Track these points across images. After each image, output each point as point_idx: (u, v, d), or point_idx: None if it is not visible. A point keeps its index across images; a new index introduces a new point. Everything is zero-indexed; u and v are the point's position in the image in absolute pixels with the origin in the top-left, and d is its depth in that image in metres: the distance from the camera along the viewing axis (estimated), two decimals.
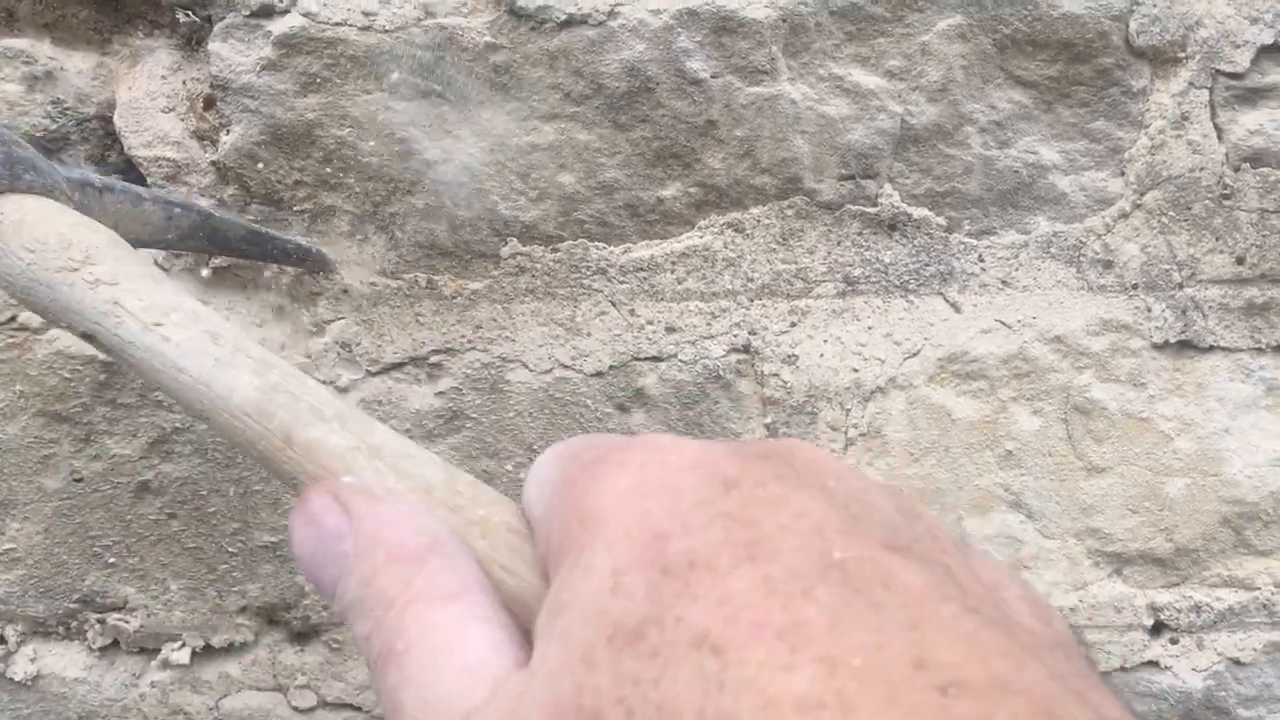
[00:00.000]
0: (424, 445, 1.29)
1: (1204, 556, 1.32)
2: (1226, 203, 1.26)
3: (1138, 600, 1.33)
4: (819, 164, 1.25)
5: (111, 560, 1.31)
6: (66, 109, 1.24)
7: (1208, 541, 1.32)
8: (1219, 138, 1.25)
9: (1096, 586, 1.33)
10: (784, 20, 1.21)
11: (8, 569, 1.31)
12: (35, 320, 1.26)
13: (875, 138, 1.25)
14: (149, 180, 1.25)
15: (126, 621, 1.33)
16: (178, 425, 1.28)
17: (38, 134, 1.24)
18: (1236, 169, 1.25)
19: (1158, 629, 1.33)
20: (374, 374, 1.28)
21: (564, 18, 1.21)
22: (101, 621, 1.33)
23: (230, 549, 1.31)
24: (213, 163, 1.25)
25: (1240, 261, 1.27)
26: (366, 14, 1.20)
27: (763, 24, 1.21)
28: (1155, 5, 1.21)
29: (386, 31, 1.21)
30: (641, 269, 1.28)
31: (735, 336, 1.29)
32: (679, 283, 1.28)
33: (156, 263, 1.27)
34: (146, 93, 1.25)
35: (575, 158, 1.25)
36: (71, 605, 1.32)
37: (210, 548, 1.31)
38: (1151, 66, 1.23)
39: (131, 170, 1.26)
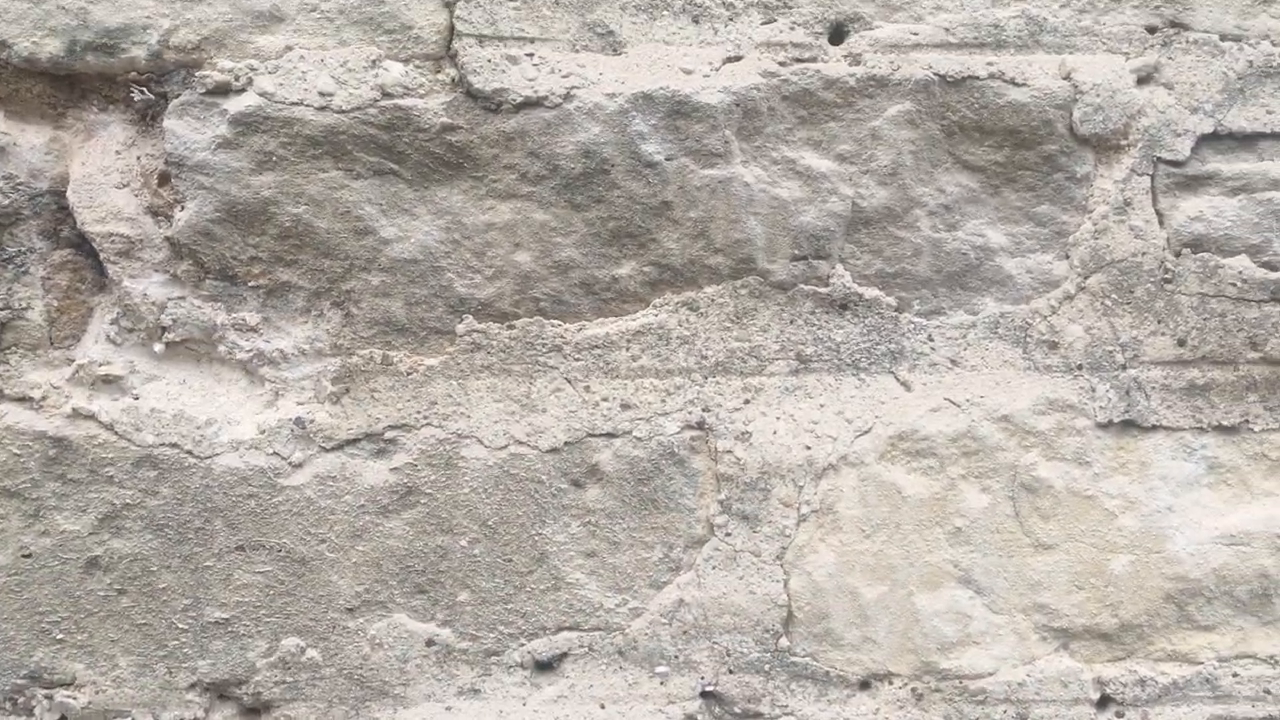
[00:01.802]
0: (378, 521, 1.23)
1: (1148, 632, 1.29)
2: (1168, 287, 1.23)
3: (1084, 675, 1.28)
4: (772, 245, 1.21)
5: (60, 636, 1.24)
6: (19, 184, 1.18)
7: (1152, 617, 1.28)
8: (1161, 223, 1.23)
9: (1044, 661, 1.29)
10: (737, 105, 1.17)
11: None
12: None
13: (827, 219, 1.21)
14: (102, 256, 1.19)
15: (74, 698, 1.25)
16: (128, 501, 1.21)
17: None
18: (1178, 254, 1.23)
19: (1104, 703, 1.29)
20: (328, 450, 1.22)
21: (520, 100, 1.16)
22: (49, 698, 1.25)
23: (181, 625, 1.24)
24: (167, 239, 1.19)
25: (1182, 344, 1.24)
26: (323, 94, 1.15)
27: (716, 108, 1.17)
28: (1098, 95, 1.18)
29: (343, 112, 1.16)
30: (597, 346, 1.23)
31: (689, 413, 1.24)
32: (634, 360, 1.23)
33: (108, 337, 1.21)
34: (100, 168, 1.19)
35: (531, 237, 1.20)
36: (19, 681, 1.25)
37: (160, 624, 1.24)
38: (1095, 153, 1.21)
39: (85, 245, 1.20)
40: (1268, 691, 1.29)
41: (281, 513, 1.23)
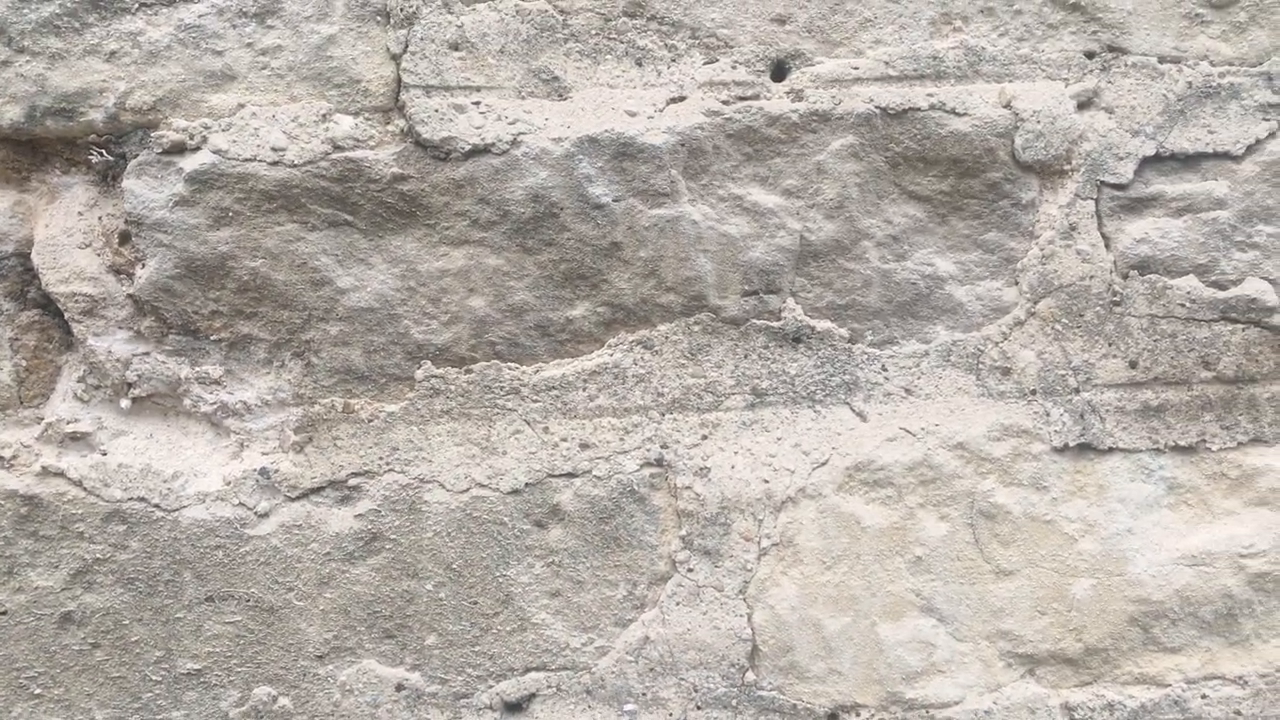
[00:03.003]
0: (345, 568, 1.21)
1: (1114, 655, 1.25)
2: (1117, 309, 1.20)
3: (1051, 700, 1.25)
4: (722, 281, 1.19)
5: (37, 691, 1.22)
6: None
7: (1117, 640, 1.25)
8: (1107, 246, 1.20)
9: (1010, 688, 1.25)
10: (682, 144, 1.16)
11: None
12: None
13: (776, 254, 1.19)
14: (66, 315, 1.18)
15: None
16: (99, 556, 1.20)
17: None
18: (1125, 276, 1.20)
19: None
20: (293, 499, 1.21)
21: (468, 148, 1.15)
22: None
23: (154, 677, 1.23)
24: (129, 296, 1.18)
25: (1133, 365, 1.21)
26: (275, 149, 1.14)
27: (662, 149, 1.16)
28: (1039, 121, 1.16)
29: (296, 166, 1.15)
30: (554, 387, 1.21)
31: (648, 451, 1.22)
32: (591, 400, 1.21)
33: (76, 395, 1.20)
34: (64, 229, 1.19)
35: (485, 281, 1.19)
36: None
37: (134, 676, 1.23)
38: (1039, 179, 1.19)
39: (51, 305, 1.20)
40: (1238, 712, 1.25)
41: (249, 563, 1.21)
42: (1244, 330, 1.20)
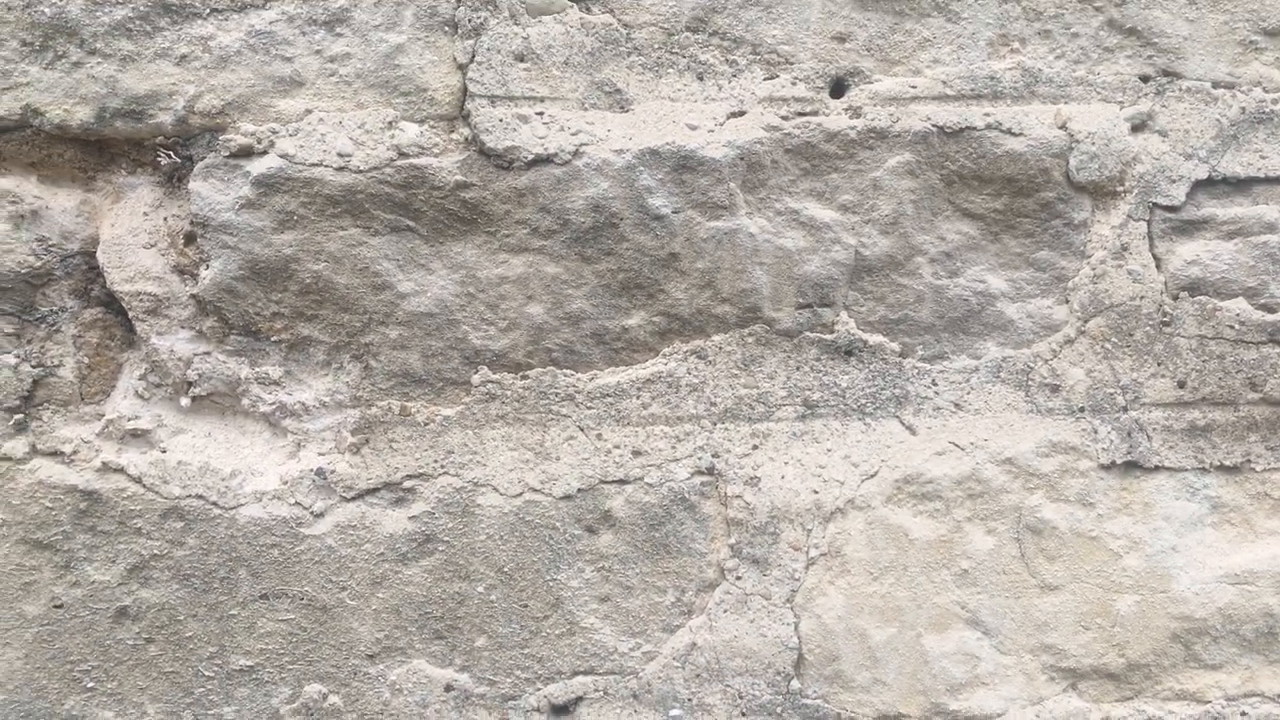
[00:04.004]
0: (398, 569, 1.21)
1: (1156, 671, 1.25)
2: (1167, 329, 1.20)
3: (1092, 715, 1.24)
4: (777, 294, 1.19)
5: (90, 685, 1.22)
6: (51, 246, 1.18)
7: (1159, 656, 1.24)
8: (1158, 267, 1.20)
9: (1052, 701, 1.25)
10: (742, 158, 1.16)
11: None
12: (18, 450, 1.18)
13: (831, 268, 1.19)
14: (130, 314, 1.19)
15: None
16: (156, 552, 1.20)
17: (23, 271, 1.17)
18: (1175, 297, 1.20)
19: None
20: (348, 499, 1.20)
21: (531, 157, 1.15)
22: None
23: (207, 673, 1.22)
24: (193, 296, 1.18)
25: (1181, 385, 1.21)
26: (342, 155, 1.15)
27: (721, 162, 1.16)
28: (1094, 143, 1.16)
29: (361, 171, 1.15)
30: (608, 395, 1.21)
31: (699, 459, 1.22)
32: (644, 408, 1.21)
33: (137, 393, 1.20)
34: (129, 229, 1.19)
35: (543, 289, 1.19)
36: None
37: (187, 671, 1.22)
38: (1092, 200, 1.19)
39: (114, 303, 1.20)
40: None
41: (304, 561, 1.21)
42: None
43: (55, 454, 1.19)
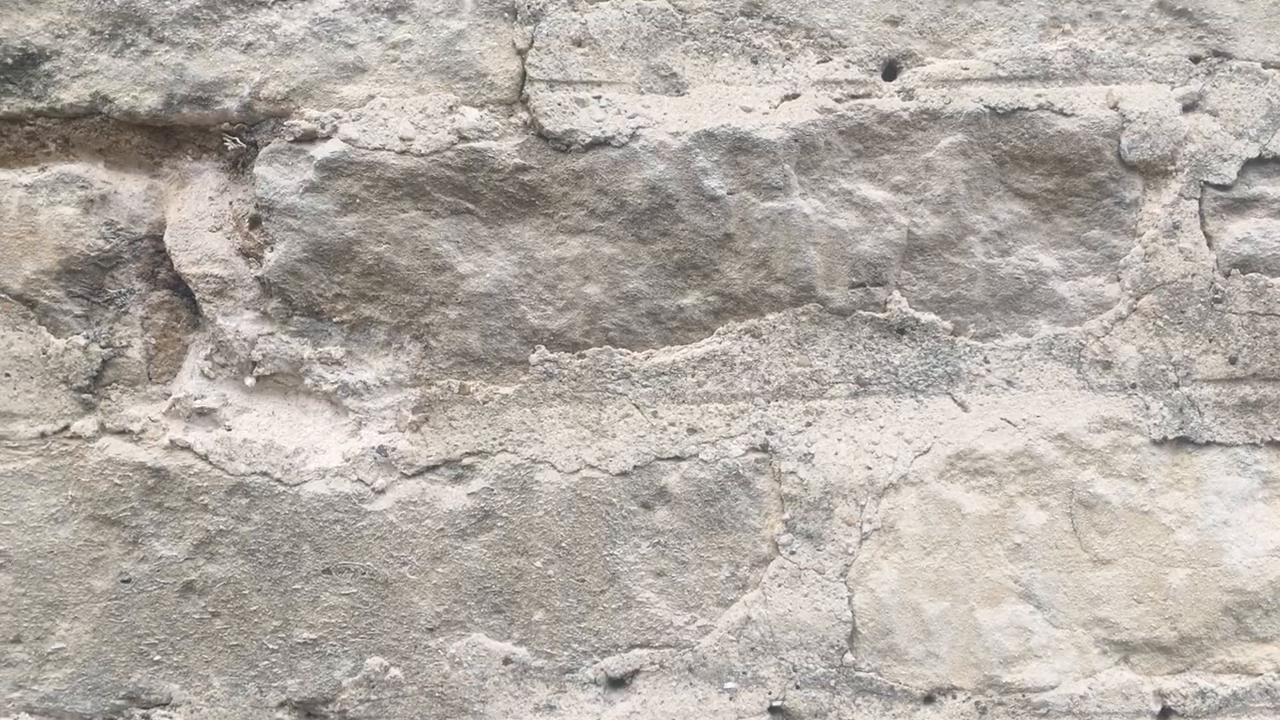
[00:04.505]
0: (457, 544, 1.23)
1: (1207, 644, 1.25)
2: (1218, 306, 1.21)
3: (1145, 687, 1.25)
4: (831, 273, 1.21)
5: (157, 658, 1.24)
6: (119, 230, 1.20)
7: (1210, 629, 1.25)
8: (1209, 245, 1.21)
9: (1105, 674, 1.26)
10: (796, 140, 1.17)
11: (58, 667, 1.24)
12: (88, 429, 1.21)
13: (883, 248, 1.20)
14: (197, 296, 1.21)
15: (170, 717, 1.25)
16: (222, 528, 1.22)
17: (92, 254, 1.19)
18: (1227, 274, 1.21)
19: (1165, 715, 1.25)
20: (409, 476, 1.22)
21: (589, 140, 1.17)
22: (146, 718, 1.26)
23: (271, 646, 1.25)
24: (257, 278, 1.20)
25: (1233, 361, 1.21)
26: (404, 139, 1.16)
27: (775, 144, 1.17)
28: (1145, 123, 1.17)
29: (422, 155, 1.17)
30: (663, 373, 1.22)
31: (754, 436, 1.23)
32: (699, 386, 1.23)
33: (203, 373, 1.22)
34: (195, 213, 1.21)
35: (600, 269, 1.20)
36: (118, 702, 1.25)
37: (251, 645, 1.25)
38: (1143, 179, 1.19)
39: (180, 286, 1.22)
40: None
41: (365, 537, 1.23)
42: None
43: (124, 432, 1.21)
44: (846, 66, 1.17)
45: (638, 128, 1.16)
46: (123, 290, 1.21)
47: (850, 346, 1.21)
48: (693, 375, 1.21)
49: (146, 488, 1.20)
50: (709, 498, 1.23)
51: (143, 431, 1.21)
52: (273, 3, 1.15)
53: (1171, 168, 1.18)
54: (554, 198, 1.17)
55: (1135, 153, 1.16)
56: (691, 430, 1.22)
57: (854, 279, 1.20)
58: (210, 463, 1.21)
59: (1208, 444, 1.22)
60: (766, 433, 1.22)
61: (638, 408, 1.22)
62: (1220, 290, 1.19)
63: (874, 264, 1.19)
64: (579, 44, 1.16)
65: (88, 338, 1.20)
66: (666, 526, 1.23)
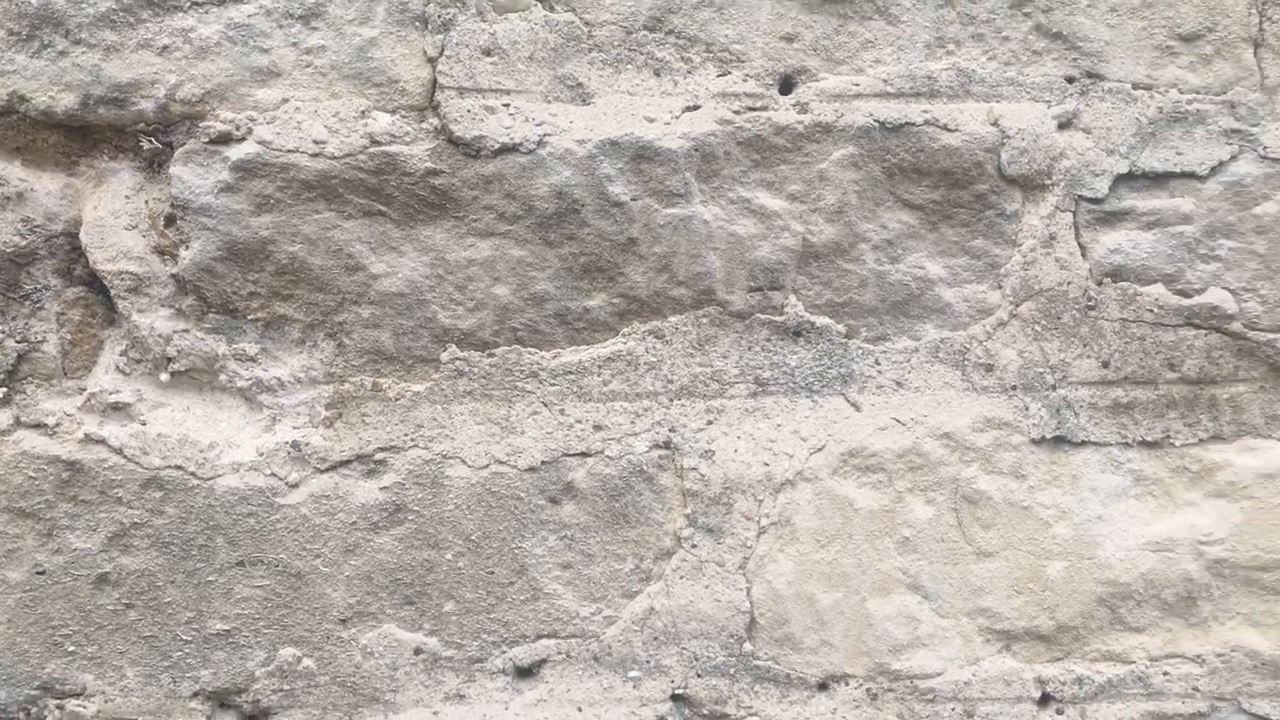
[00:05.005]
0: (369, 537, 1.26)
1: (1084, 633, 1.32)
2: (1091, 313, 1.28)
3: (1025, 674, 1.32)
4: (730, 277, 1.26)
5: (71, 649, 1.26)
6: (35, 226, 1.22)
7: (1086, 619, 1.32)
8: (1083, 255, 1.27)
9: (988, 662, 1.32)
10: (696, 150, 1.22)
11: None
12: (3, 422, 1.22)
13: (780, 254, 1.26)
14: (112, 292, 1.23)
15: (84, 707, 1.27)
16: (136, 520, 1.24)
17: (8, 250, 1.21)
18: (1099, 283, 1.28)
19: (1045, 701, 1.32)
20: (322, 471, 1.25)
21: (498, 146, 1.21)
22: (60, 708, 1.27)
23: (184, 637, 1.27)
24: (172, 276, 1.23)
25: (1106, 365, 1.28)
26: (317, 142, 1.20)
27: (677, 153, 1.22)
28: (1023, 139, 1.24)
29: (335, 158, 1.20)
30: (570, 372, 1.27)
31: (657, 434, 1.28)
32: (605, 385, 1.27)
33: (118, 368, 1.24)
34: (111, 211, 1.23)
35: (509, 271, 1.24)
36: (32, 692, 1.26)
37: (165, 636, 1.27)
38: (1022, 192, 1.26)
39: (96, 282, 1.24)
40: (1196, 689, 1.33)
41: (279, 530, 1.26)
42: (1206, 335, 1.28)
43: (39, 426, 1.23)
44: (745, 80, 1.22)
45: (545, 135, 1.20)
46: (38, 286, 1.23)
47: (749, 348, 1.26)
48: (599, 374, 1.26)
49: (61, 481, 1.22)
50: (614, 493, 1.27)
51: (58, 425, 1.22)
52: (188, 7, 1.18)
53: (1048, 182, 1.24)
54: (464, 201, 1.21)
55: (1014, 167, 1.23)
56: (597, 427, 1.26)
57: (752, 283, 1.25)
58: (125, 456, 1.23)
59: (1083, 443, 1.29)
60: (669, 430, 1.26)
61: (545, 405, 1.26)
62: (1093, 298, 1.26)
63: (771, 269, 1.25)
64: (488, 53, 1.20)
65: (3, 333, 1.22)
66: (573, 520, 1.27)
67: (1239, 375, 1.28)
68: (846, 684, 1.29)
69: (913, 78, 1.22)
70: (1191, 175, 1.24)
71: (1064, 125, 1.23)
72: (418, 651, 1.26)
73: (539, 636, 1.27)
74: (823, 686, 1.29)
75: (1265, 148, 1.24)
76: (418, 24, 1.18)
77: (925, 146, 1.21)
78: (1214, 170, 1.24)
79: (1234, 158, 1.24)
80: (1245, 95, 1.24)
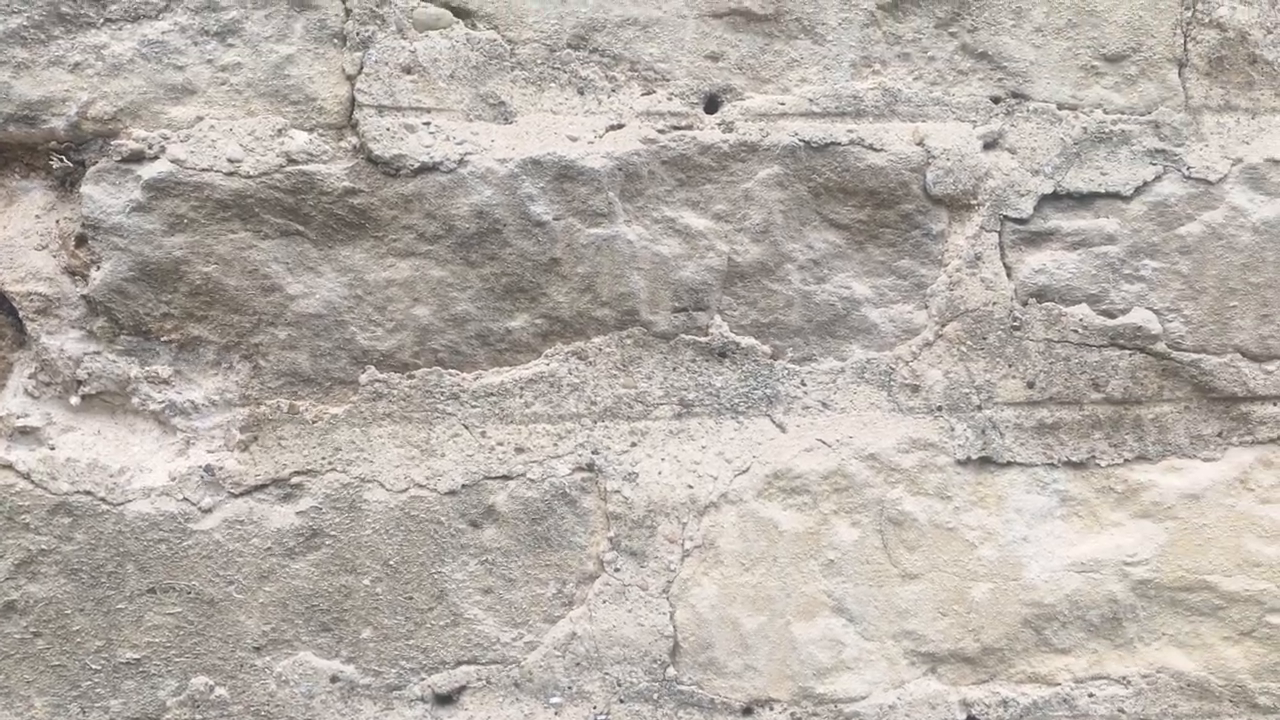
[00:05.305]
0: (285, 563, 1.24)
1: (1009, 655, 1.32)
2: (1017, 333, 1.28)
3: (950, 697, 1.32)
4: (654, 298, 1.25)
5: None
6: None
7: (1011, 641, 1.32)
8: (1009, 275, 1.28)
9: (913, 684, 1.32)
10: (620, 169, 1.22)
11: None
12: None
13: (705, 274, 1.25)
14: (21, 314, 1.20)
15: None
16: (44, 547, 1.22)
17: None
18: (1025, 303, 1.28)
19: None
20: (237, 495, 1.24)
21: (417, 165, 1.20)
22: None
23: (94, 666, 1.24)
24: (83, 297, 1.21)
25: (1031, 386, 1.29)
26: (232, 160, 1.18)
27: (600, 172, 1.21)
28: (949, 159, 1.24)
29: (251, 177, 1.19)
30: (492, 394, 1.26)
31: (580, 456, 1.27)
32: (527, 406, 1.26)
33: (27, 391, 1.22)
34: (21, 231, 1.21)
35: (429, 292, 1.23)
36: None
37: (74, 665, 1.24)
38: (948, 212, 1.27)
39: (4, 304, 1.22)
40: (1121, 710, 1.33)
41: (191, 556, 1.24)
42: (1131, 356, 1.29)
43: None
44: (670, 99, 1.22)
45: (466, 154, 1.19)
46: None
47: (674, 369, 1.26)
48: (521, 396, 1.25)
49: None
50: (536, 516, 1.26)
51: None
52: (101, 24, 1.17)
53: (974, 202, 1.25)
54: (384, 221, 1.20)
55: (940, 187, 1.23)
56: (519, 450, 1.25)
57: (677, 304, 1.24)
58: (32, 482, 1.21)
59: (1009, 464, 1.29)
60: (593, 452, 1.26)
61: (466, 428, 1.24)
62: (1018, 318, 1.27)
63: (696, 289, 1.24)
64: (408, 71, 1.19)
65: None
66: (494, 544, 1.26)
67: (1164, 395, 1.28)
68: (771, 709, 1.29)
69: (838, 97, 1.22)
70: (1116, 195, 1.26)
71: (989, 145, 1.24)
72: (334, 679, 1.25)
73: (459, 663, 1.26)
74: (747, 711, 1.29)
75: (1189, 168, 1.25)
76: (336, 41, 1.18)
77: (851, 166, 1.22)
78: (1138, 190, 1.26)
79: (1158, 178, 1.26)
80: (1170, 115, 1.25)
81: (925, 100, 1.26)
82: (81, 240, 1.22)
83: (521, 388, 1.26)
